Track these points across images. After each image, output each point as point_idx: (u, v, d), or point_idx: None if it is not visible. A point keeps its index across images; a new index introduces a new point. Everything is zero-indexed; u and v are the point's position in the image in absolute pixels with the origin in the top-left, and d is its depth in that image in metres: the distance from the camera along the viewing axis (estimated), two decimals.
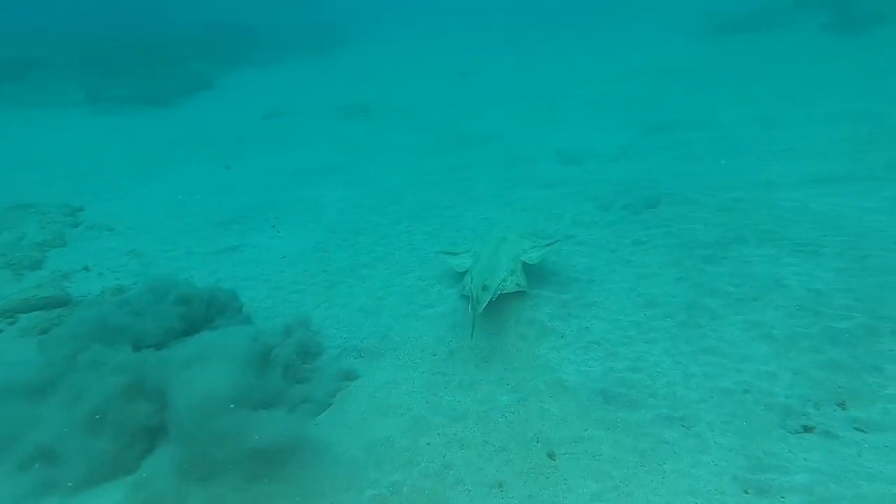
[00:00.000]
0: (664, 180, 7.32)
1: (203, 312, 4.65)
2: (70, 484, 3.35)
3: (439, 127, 11.06)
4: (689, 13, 16.79)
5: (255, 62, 18.23)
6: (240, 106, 13.92)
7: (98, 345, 3.84)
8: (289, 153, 10.31)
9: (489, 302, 4.83)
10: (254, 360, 3.87)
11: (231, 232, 7.18)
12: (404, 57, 17.99)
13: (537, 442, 3.57)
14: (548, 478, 3.24)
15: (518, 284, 5.22)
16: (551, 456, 3.39)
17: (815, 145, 7.47)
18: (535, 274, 5.51)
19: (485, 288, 5.03)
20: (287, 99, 14.00)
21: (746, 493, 2.94)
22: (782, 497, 2.88)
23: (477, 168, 8.87)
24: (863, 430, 3.17)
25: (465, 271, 5.36)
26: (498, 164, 8.89)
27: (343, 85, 15.27)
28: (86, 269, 6.32)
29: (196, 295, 4.68)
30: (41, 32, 19.19)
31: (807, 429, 3.25)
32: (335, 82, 15.70)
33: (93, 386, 3.56)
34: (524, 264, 5.38)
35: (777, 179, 6.76)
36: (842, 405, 3.31)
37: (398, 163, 9.45)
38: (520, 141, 9.82)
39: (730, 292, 4.73)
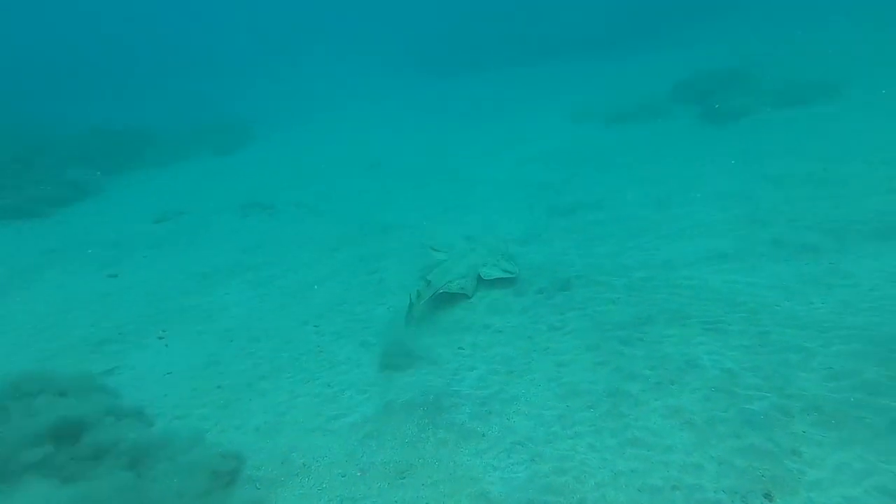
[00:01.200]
0: (573, 262, 7.54)
1: None
2: None
3: (348, 219, 10.96)
4: (579, 105, 18.47)
5: (147, 164, 17.39)
6: (129, 210, 13.08)
7: None
8: (184, 256, 9.68)
9: (431, 297, 6.43)
10: None
11: (106, 352, 6.38)
12: (310, 153, 18.12)
13: None
14: None
15: (462, 287, 6.65)
16: None
17: (704, 224, 8.09)
18: (455, 369, 5.29)
19: (429, 284, 6.51)
20: (184, 200, 13.40)
21: None
22: None
23: (388, 259, 8.75)
24: None
25: (435, 268, 6.92)
26: (409, 254, 8.82)
27: (246, 183, 14.94)
28: None
29: None
30: None
31: None
32: (237, 180, 15.35)
33: None
34: (479, 278, 6.80)
35: (676, 258, 7.15)
36: (768, 496, 3.25)
37: (304, 259, 9.12)
38: (429, 228, 9.89)
39: (647, 376, 4.74)
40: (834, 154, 9.89)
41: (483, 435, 4.37)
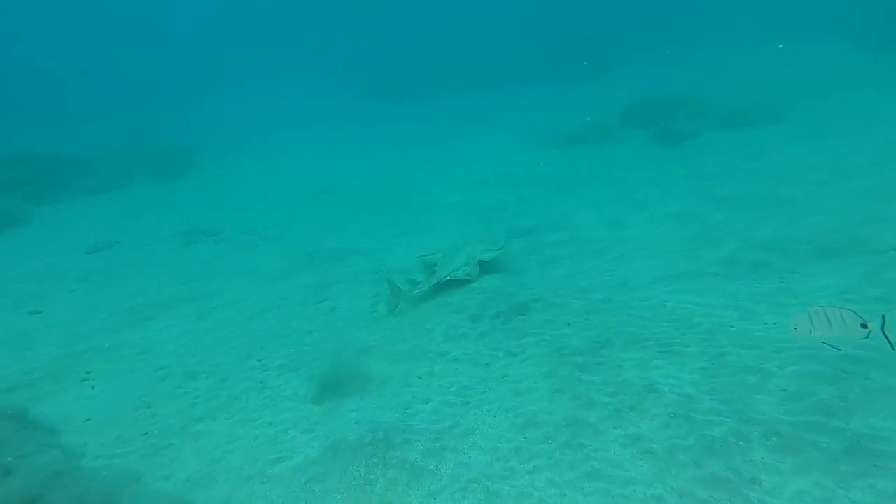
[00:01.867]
0: (531, 285, 7.48)
1: None
2: None
3: (297, 246, 10.65)
4: (531, 129, 18.81)
5: (81, 192, 16.42)
6: (58, 241, 12.29)
7: None
8: (117, 289, 9.11)
9: (436, 285, 7.27)
10: None
11: (16, 399, 5.77)
12: (259, 178, 17.72)
13: None
14: None
15: (467, 274, 7.51)
16: None
17: (658, 245, 8.20)
18: (408, 402, 5.06)
19: (433, 273, 7.37)
20: (121, 229, 12.74)
21: None
22: None
23: (340, 286, 8.49)
24: None
25: (435, 264, 7.77)
26: (362, 280, 8.59)
27: (190, 210, 14.39)
28: None
29: None
30: None
31: None
32: (181, 208, 14.77)
33: None
34: (480, 262, 7.76)
35: (632, 279, 7.17)
36: None
37: (249, 288, 8.74)
38: (384, 254, 9.71)
39: (606, 403, 4.64)
40: (776, 174, 10.30)
41: (436, 473, 4.15)
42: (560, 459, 4.10)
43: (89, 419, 5.24)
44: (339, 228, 11.69)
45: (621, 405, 4.55)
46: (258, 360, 6.37)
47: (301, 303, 8.02)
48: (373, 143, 21.13)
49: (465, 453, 4.35)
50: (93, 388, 5.98)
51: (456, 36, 35.83)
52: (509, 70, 29.48)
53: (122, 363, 6.48)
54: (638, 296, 6.62)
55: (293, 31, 49.02)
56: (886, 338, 3.29)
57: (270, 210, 13.79)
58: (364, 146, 20.86)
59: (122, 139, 22.59)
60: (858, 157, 10.20)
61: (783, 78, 18.09)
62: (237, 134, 25.04)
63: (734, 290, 6.20)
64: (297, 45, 45.53)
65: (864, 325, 3.36)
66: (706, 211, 9.18)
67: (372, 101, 29.96)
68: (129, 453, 4.66)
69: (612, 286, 7.04)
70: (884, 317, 3.29)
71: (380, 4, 46.67)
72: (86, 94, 35.84)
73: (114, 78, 39.20)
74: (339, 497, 4.01)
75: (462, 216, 11.36)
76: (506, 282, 7.70)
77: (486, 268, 8.48)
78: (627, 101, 18.40)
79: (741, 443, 3.76)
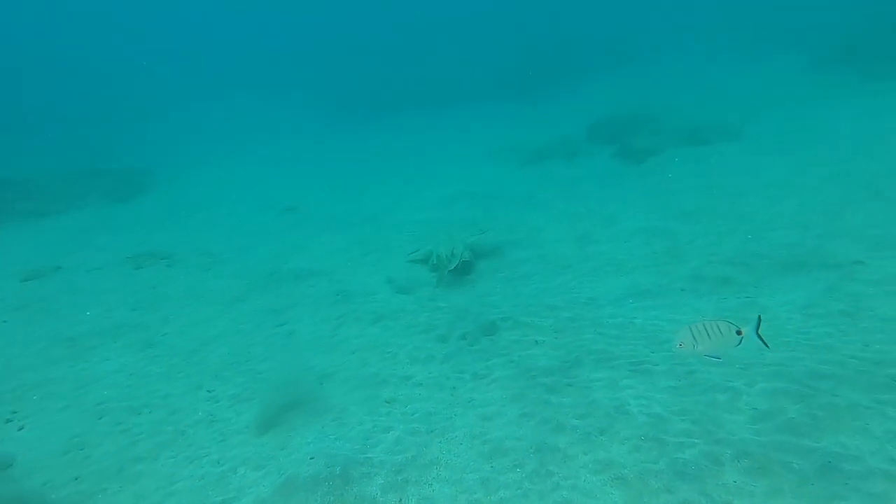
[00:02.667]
0: (498, 304, 7.41)
1: None
2: None
3: (257, 267, 10.34)
4: (497, 146, 18.92)
5: (22, 215, 15.53)
6: None
7: None
8: (56, 319, 8.60)
9: (457, 266, 8.31)
10: None
11: None
12: (219, 198, 17.29)
13: None
14: None
15: (471, 257, 8.72)
16: None
17: (626, 261, 8.23)
18: (369, 431, 4.84)
19: (452, 254, 8.46)
20: (64, 253, 12.13)
21: None
22: None
23: (299, 309, 8.23)
24: None
25: (429, 256, 8.97)
26: (323, 302, 8.35)
27: (143, 232, 13.88)
28: None
29: None
30: None
31: None
32: (134, 230, 14.22)
33: None
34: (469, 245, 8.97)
35: (600, 295, 7.15)
36: None
37: (204, 313, 8.39)
38: (347, 274, 9.49)
39: (576, 426, 4.53)
40: (737, 189, 10.54)
41: None
42: (528, 489, 3.95)
43: (11, 465, 4.84)
44: (301, 249, 11.42)
45: (591, 428, 4.44)
46: (208, 391, 6.05)
47: (258, 327, 7.73)
48: (336, 161, 20.94)
49: (428, 486, 4.16)
50: (20, 429, 5.55)
51: (421, 53, 36.14)
52: (475, 87, 29.78)
53: (55, 399, 6.06)
54: (606, 312, 6.59)
55: (252, 46, 48.59)
56: (761, 339, 3.49)
57: (228, 231, 13.41)
58: (327, 164, 20.65)
59: (70, 160, 21.79)
60: (814, 173, 10.53)
61: (741, 94, 18.75)
62: (194, 152, 24.49)
63: (701, 305, 6.22)
64: (257, 60, 45.09)
65: (738, 333, 3.56)
66: (672, 226, 9.29)
67: (336, 119, 29.81)
68: (56, 502, 4.29)
69: (580, 303, 7.00)
70: (759, 317, 3.53)
71: (343, 21, 46.86)
72: (29, 111, 34.57)
73: (61, 95, 37.95)
74: None
75: (429, 234, 11.24)
76: (474, 300, 7.61)
77: (452, 285, 8.37)
78: (594, 117, 18.73)
79: (713, 466, 3.68)
